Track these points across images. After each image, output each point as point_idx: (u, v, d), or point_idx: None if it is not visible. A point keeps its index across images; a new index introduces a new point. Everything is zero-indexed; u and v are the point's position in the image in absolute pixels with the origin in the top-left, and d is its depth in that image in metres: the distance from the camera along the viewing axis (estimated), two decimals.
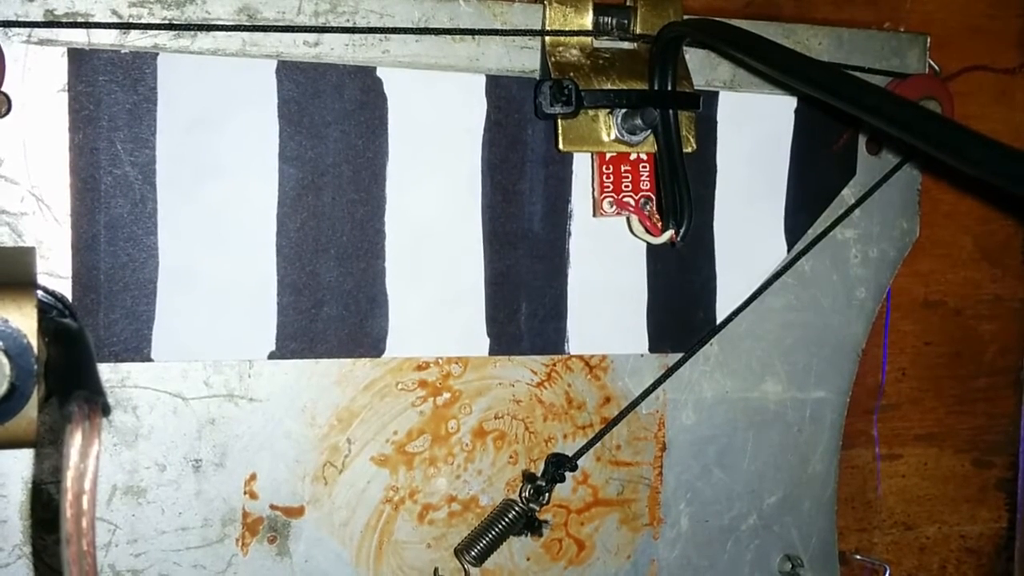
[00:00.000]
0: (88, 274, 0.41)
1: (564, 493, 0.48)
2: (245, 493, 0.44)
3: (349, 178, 0.43)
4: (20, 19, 0.38)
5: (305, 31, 0.42)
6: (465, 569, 0.46)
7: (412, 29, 0.43)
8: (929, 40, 0.51)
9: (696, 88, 0.47)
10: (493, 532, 0.46)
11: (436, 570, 0.46)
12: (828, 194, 0.51)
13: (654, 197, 0.46)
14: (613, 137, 0.44)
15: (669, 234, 0.45)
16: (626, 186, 0.46)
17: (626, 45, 0.46)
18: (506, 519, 0.46)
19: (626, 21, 0.45)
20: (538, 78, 0.45)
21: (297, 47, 0.42)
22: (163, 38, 0.40)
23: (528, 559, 0.48)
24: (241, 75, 0.42)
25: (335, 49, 0.42)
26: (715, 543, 0.51)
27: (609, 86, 0.44)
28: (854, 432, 0.54)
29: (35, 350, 0.30)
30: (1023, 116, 0.56)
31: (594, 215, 0.46)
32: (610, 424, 0.48)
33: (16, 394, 0.29)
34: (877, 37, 0.50)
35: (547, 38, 0.44)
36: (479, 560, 0.46)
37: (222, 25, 0.41)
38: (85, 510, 0.26)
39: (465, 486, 0.47)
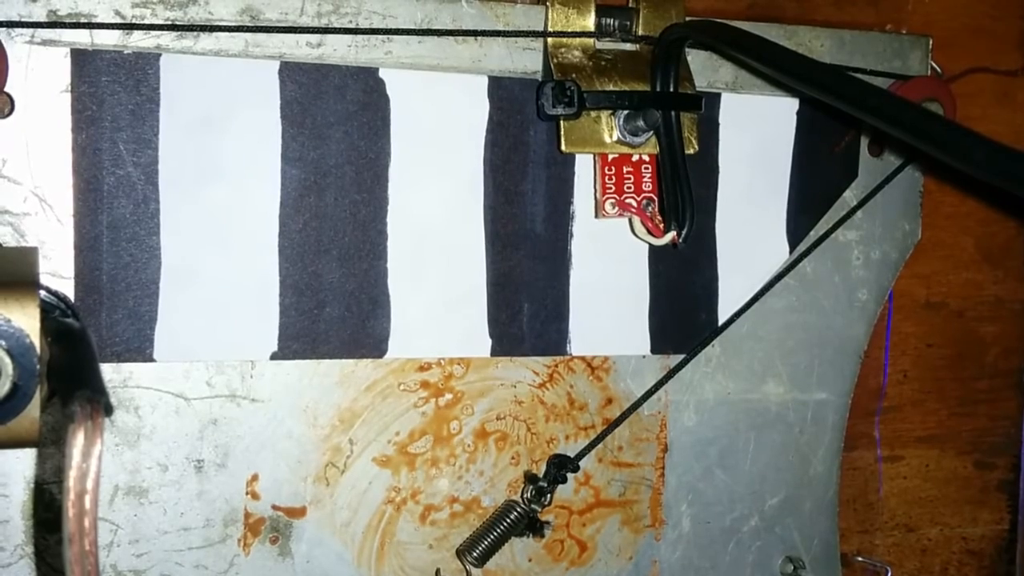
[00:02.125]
0: (90, 274, 0.41)
1: (566, 494, 0.48)
2: (247, 493, 0.44)
3: (351, 179, 0.44)
4: (23, 19, 0.38)
5: (308, 32, 0.42)
6: (467, 570, 0.46)
7: (415, 30, 0.43)
8: (931, 42, 0.51)
9: (698, 90, 0.47)
10: (495, 533, 0.46)
11: (438, 571, 0.46)
12: (830, 196, 0.51)
13: (656, 198, 0.46)
14: (615, 138, 0.44)
15: (671, 235, 0.45)
16: (628, 187, 0.46)
17: (628, 46, 0.46)
18: (508, 520, 0.46)
19: (628, 22, 0.45)
20: (540, 79, 0.45)
21: (300, 48, 0.42)
22: (166, 39, 0.40)
23: (530, 560, 0.48)
24: (244, 76, 0.42)
25: (338, 50, 0.42)
26: (717, 544, 0.51)
27: (611, 87, 0.44)
28: (856, 434, 0.54)
29: (38, 350, 0.30)
30: None
31: (596, 216, 0.46)
32: (612, 425, 0.48)
33: (19, 394, 0.29)
34: (879, 39, 0.50)
35: (549, 39, 0.44)
36: (481, 561, 0.46)
37: (225, 26, 0.41)
38: (87, 510, 0.26)
39: (467, 487, 0.47)
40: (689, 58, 0.46)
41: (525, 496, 0.47)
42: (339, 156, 0.43)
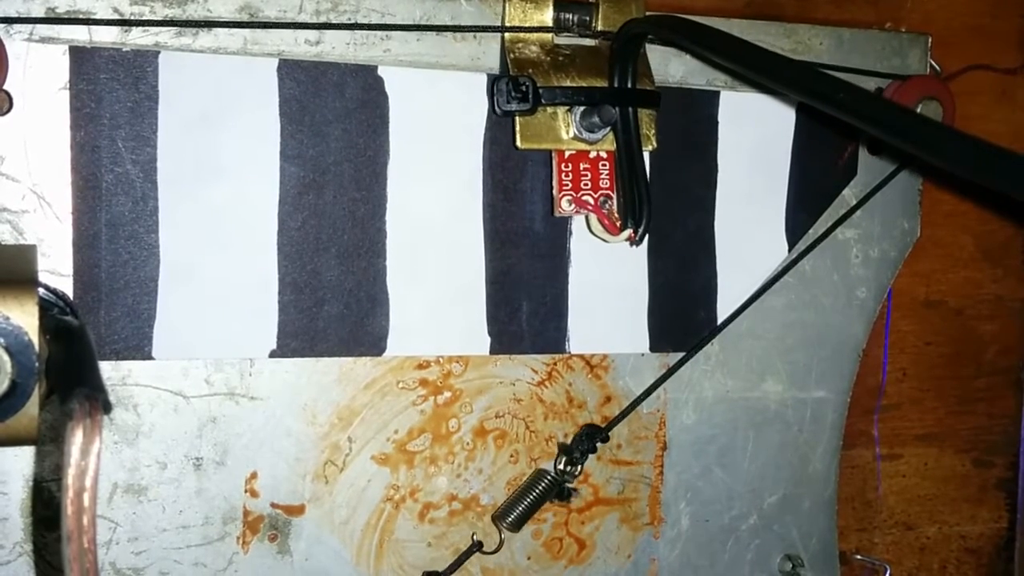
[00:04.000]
0: (89, 272, 0.41)
1: None
2: (246, 491, 0.44)
3: (350, 177, 0.43)
4: (22, 16, 0.38)
5: (307, 27, 0.42)
6: (501, 535, 0.46)
7: (413, 26, 0.43)
8: (930, 40, 0.51)
9: (697, 87, 0.47)
10: (528, 500, 0.46)
11: (473, 535, 0.47)
12: (829, 194, 0.50)
13: (614, 196, 0.45)
14: (572, 135, 0.44)
15: (627, 233, 0.45)
16: (585, 184, 0.45)
17: (587, 42, 0.45)
18: (540, 488, 0.46)
19: (587, 18, 0.45)
20: (498, 74, 0.44)
21: (298, 45, 0.42)
22: (165, 36, 0.40)
23: (529, 558, 0.48)
24: (242, 73, 0.42)
25: (336, 48, 0.42)
26: (715, 542, 0.51)
27: (568, 83, 0.43)
28: (854, 432, 0.54)
29: (36, 347, 0.30)
30: None
31: (553, 213, 0.45)
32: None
33: (17, 391, 0.29)
34: (878, 37, 0.50)
35: (507, 34, 0.44)
36: (516, 527, 0.46)
37: (224, 22, 0.41)
38: (86, 507, 0.26)
39: (466, 485, 0.47)
40: (687, 56, 0.46)
41: (558, 467, 0.47)
42: (338, 154, 0.43)
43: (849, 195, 0.51)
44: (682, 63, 0.47)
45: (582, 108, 0.43)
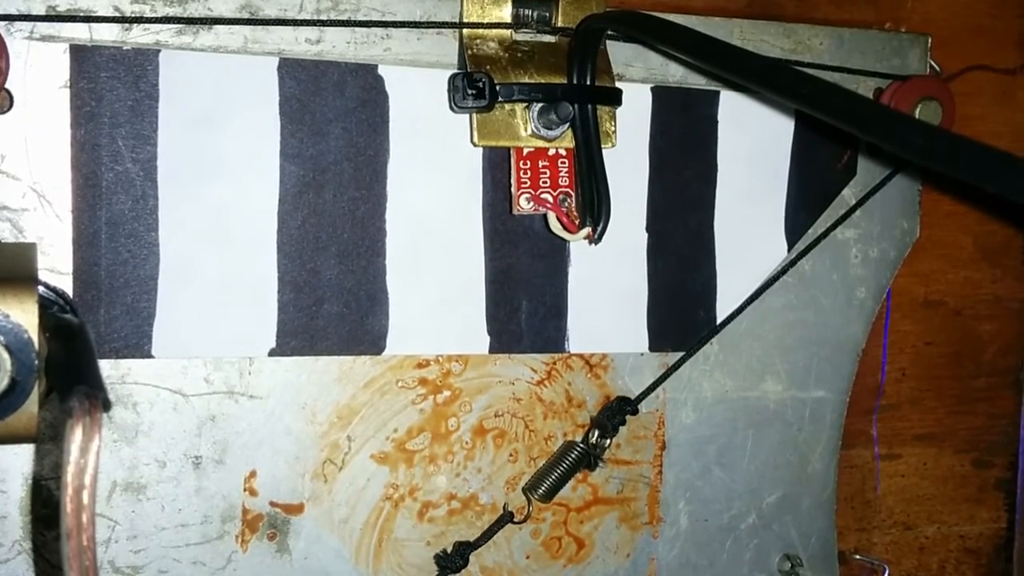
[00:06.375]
0: (89, 270, 0.41)
1: (564, 491, 0.48)
2: (245, 490, 0.44)
3: (350, 176, 0.43)
4: (23, 14, 0.38)
5: (307, 24, 0.42)
6: (529, 507, 0.47)
7: (413, 23, 0.43)
8: (930, 40, 0.51)
9: (697, 87, 0.47)
10: (558, 472, 0.47)
11: (506, 505, 0.47)
12: (829, 194, 0.51)
13: (573, 194, 0.45)
14: (530, 132, 0.43)
15: (586, 232, 0.44)
16: (544, 182, 0.45)
17: (547, 38, 0.45)
18: (569, 459, 0.47)
19: (547, 14, 0.44)
20: (455, 71, 0.44)
21: (299, 44, 0.42)
22: (165, 35, 0.40)
23: (527, 557, 0.48)
24: (243, 72, 0.42)
25: (337, 47, 0.42)
26: (714, 542, 0.51)
27: (527, 80, 0.43)
28: (854, 432, 0.54)
29: (36, 345, 0.30)
30: None
31: (512, 212, 0.45)
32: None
33: (17, 389, 0.29)
34: (878, 37, 0.50)
35: (464, 30, 0.44)
36: (547, 497, 0.47)
37: (224, 20, 0.41)
38: (85, 505, 0.26)
39: (465, 484, 0.47)
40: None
41: (590, 440, 0.47)
42: (338, 153, 0.43)
43: (848, 195, 0.51)
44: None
45: (540, 105, 0.43)
